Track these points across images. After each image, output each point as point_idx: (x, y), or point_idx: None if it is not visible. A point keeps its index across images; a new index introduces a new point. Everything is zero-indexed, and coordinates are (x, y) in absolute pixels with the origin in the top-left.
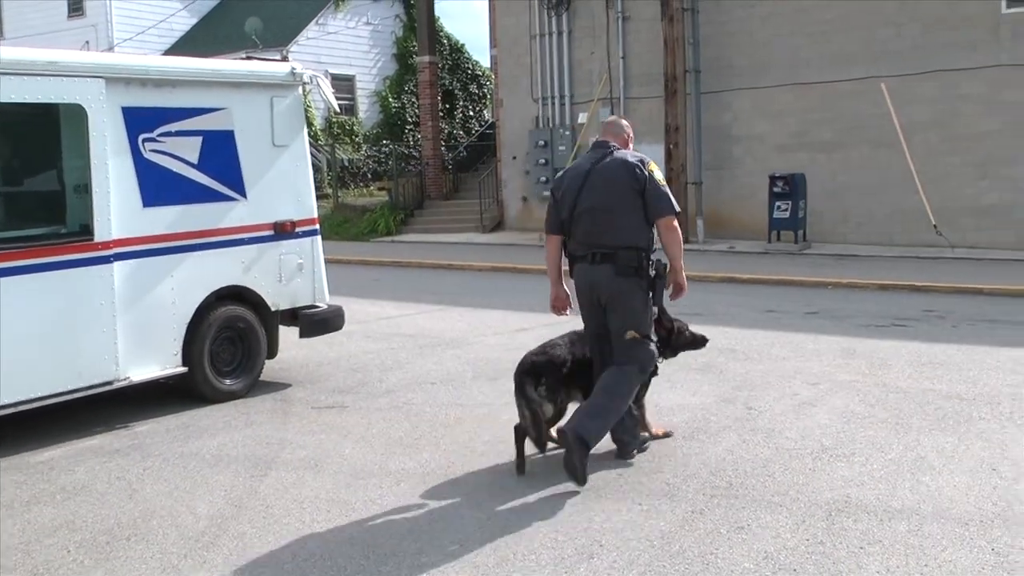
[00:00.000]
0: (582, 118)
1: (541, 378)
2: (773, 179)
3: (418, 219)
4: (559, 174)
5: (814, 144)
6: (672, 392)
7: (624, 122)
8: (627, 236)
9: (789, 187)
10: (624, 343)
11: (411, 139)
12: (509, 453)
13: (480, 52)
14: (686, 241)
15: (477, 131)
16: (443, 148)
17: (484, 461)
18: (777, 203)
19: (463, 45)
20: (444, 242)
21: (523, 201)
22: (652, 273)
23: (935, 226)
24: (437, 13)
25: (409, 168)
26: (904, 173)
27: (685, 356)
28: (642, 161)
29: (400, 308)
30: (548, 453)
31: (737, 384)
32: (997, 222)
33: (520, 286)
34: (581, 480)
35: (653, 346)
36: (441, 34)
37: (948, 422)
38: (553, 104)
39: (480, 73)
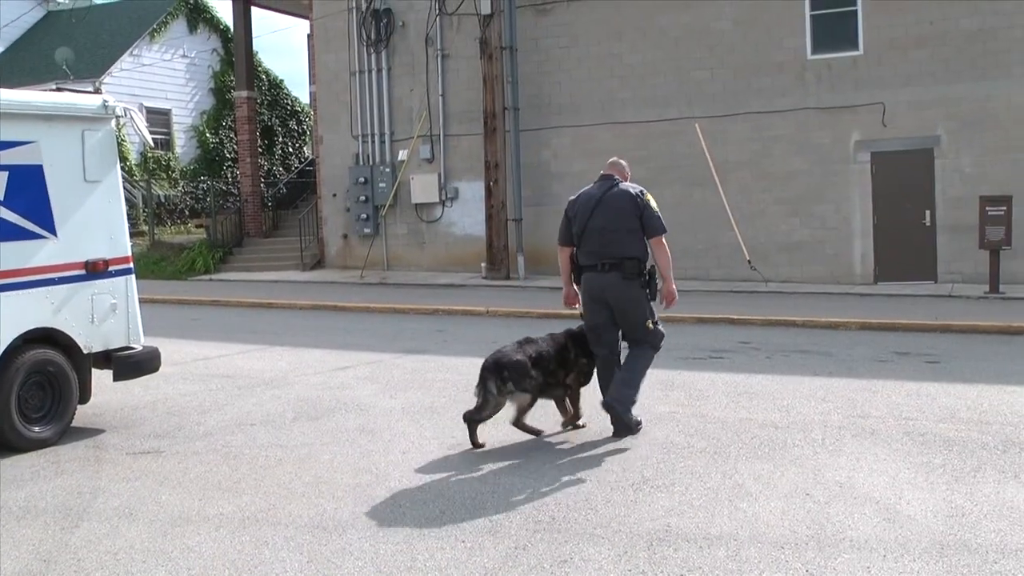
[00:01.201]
0: (402, 155)
1: (503, 372)
2: None
3: (237, 257)
4: (572, 198)
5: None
6: (495, 428)
7: (623, 162)
8: (629, 249)
9: None
10: (644, 330)
11: (230, 175)
12: (331, 494)
13: (300, 88)
14: (506, 278)
15: (297, 168)
16: (263, 185)
17: (305, 502)
18: None
19: (282, 81)
20: (264, 280)
21: (344, 239)
22: (647, 276)
23: (749, 261)
24: (255, 48)
25: (228, 205)
26: (719, 210)
27: None
28: (641, 192)
29: (219, 348)
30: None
31: (557, 419)
32: (808, 257)
33: (341, 324)
34: (635, 430)
35: (662, 326)
36: (259, 69)
37: (764, 450)
38: (373, 141)
39: (300, 109)
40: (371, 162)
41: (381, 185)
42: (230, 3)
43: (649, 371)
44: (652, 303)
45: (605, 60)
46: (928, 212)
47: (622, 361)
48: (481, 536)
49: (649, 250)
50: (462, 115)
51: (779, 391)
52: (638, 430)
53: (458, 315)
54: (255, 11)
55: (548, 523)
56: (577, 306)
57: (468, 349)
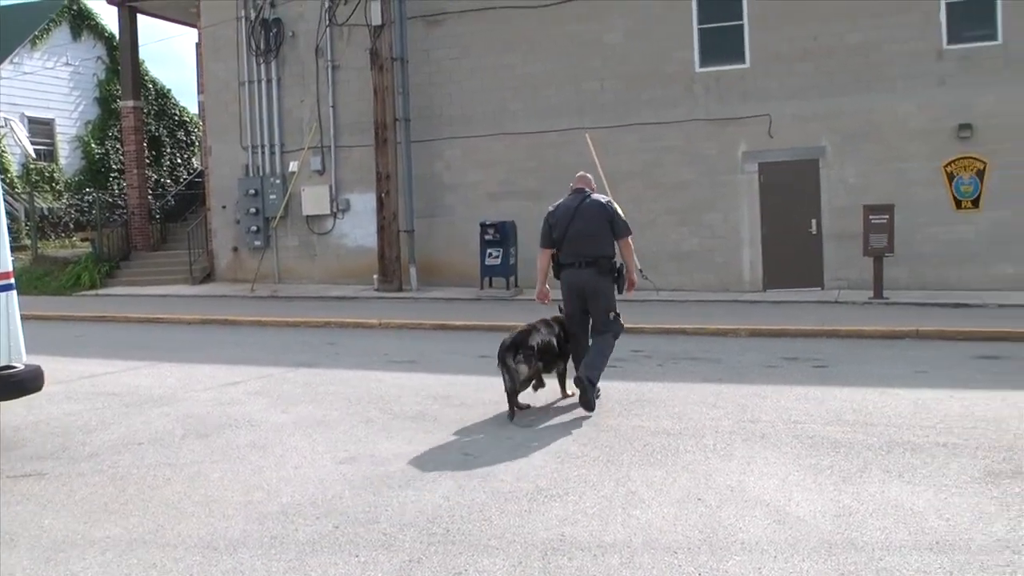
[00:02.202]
0: (293, 166)
1: (518, 351)
2: (484, 227)
3: (124, 271)
4: (552, 208)
5: (523, 192)
6: (388, 441)
7: (590, 175)
8: (603, 249)
9: (500, 234)
10: (607, 319)
11: (116, 187)
12: (221, 512)
13: (188, 98)
14: (398, 290)
15: (186, 179)
16: (150, 197)
17: (194, 522)
18: (488, 250)
19: (169, 91)
20: (152, 295)
21: (234, 251)
22: (617, 272)
23: (641, 270)
24: (142, 57)
25: (114, 218)
26: None
27: (399, 405)
28: (609, 201)
29: (105, 365)
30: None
31: (452, 430)
32: (698, 266)
33: (231, 339)
34: (591, 408)
35: (622, 319)
36: (146, 78)
37: (656, 456)
38: (263, 152)
39: (188, 120)
40: (261, 173)
41: (272, 197)
42: (115, 10)
43: (545, 380)
44: (618, 296)
45: (497, 71)
46: (814, 221)
47: (600, 342)
48: (375, 551)
49: (616, 247)
50: (353, 126)
51: (671, 398)
52: (595, 402)
53: (350, 327)
54: (141, 19)
55: (442, 535)
56: (547, 301)
57: (360, 362)
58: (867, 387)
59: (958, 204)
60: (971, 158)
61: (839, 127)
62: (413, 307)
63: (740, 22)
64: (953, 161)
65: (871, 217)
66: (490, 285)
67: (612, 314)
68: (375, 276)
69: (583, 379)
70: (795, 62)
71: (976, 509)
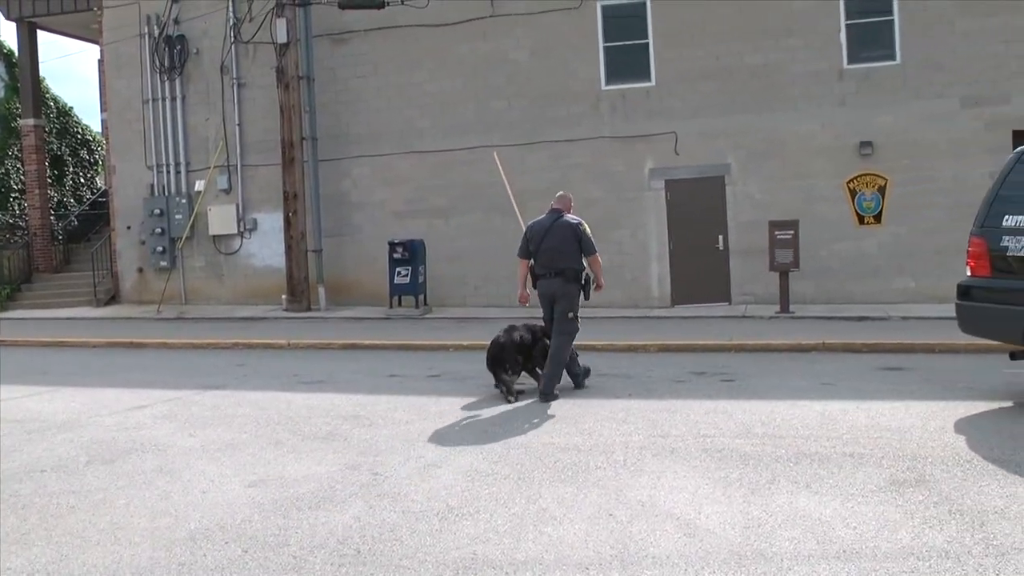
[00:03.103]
0: (199, 186)
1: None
2: (392, 245)
3: (26, 294)
4: (530, 223)
5: (432, 210)
6: (298, 463)
7: (569, 195)
8: (570, 262)
9: (408, 253)
10: (565, 320)
11: (17, 207)
12: (127, 540)
13: (91, 116)
14: (307, 310)
15: (89, 199)
16: (52, 217)
17: (100, 551)
18: (397, 269)
19: (72, 108)
20: (55, 318)
21: (139, 272)
22: (583, 281)
23: None
24: (43, 74)
25: (15, 239)
26: (519, 237)
27: (309, 426)
28: (579, 223)
29: (6, 391)
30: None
31: (362, 450)
32: (606, 282)
33: (137, 362)
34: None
35: (578, 323)
36: (47, 96)
37: (567, 473)
38: (169, 171)
39: (91, 138)
40: (167, 193)
41: (177, 217)
42: (14, 26)
43: (451, 400)
44: (582, 301)
45: (404, 89)
46: (721, 237)
47: (555, 345)
48: (285, 574)
49: (586, 262)
50: (260, 145)
51: (581, 415)
52: (556, 396)
53: (259, 348)
54: (42, 35)
55: (353, 556)
56: (526, 304)
57: (269, 383)
58: (775, 400)
59: (861, 220)
60: (873, 175)
61: (744, 144)
62: (322, 327)
63: (645, 40)
64: (855, 178)
65: (776, 233)
66: (399, 304)
67: (571, 314)
68: (284, 296)
69: (543, 395)
70: (699, 81)
71: (882, 517)
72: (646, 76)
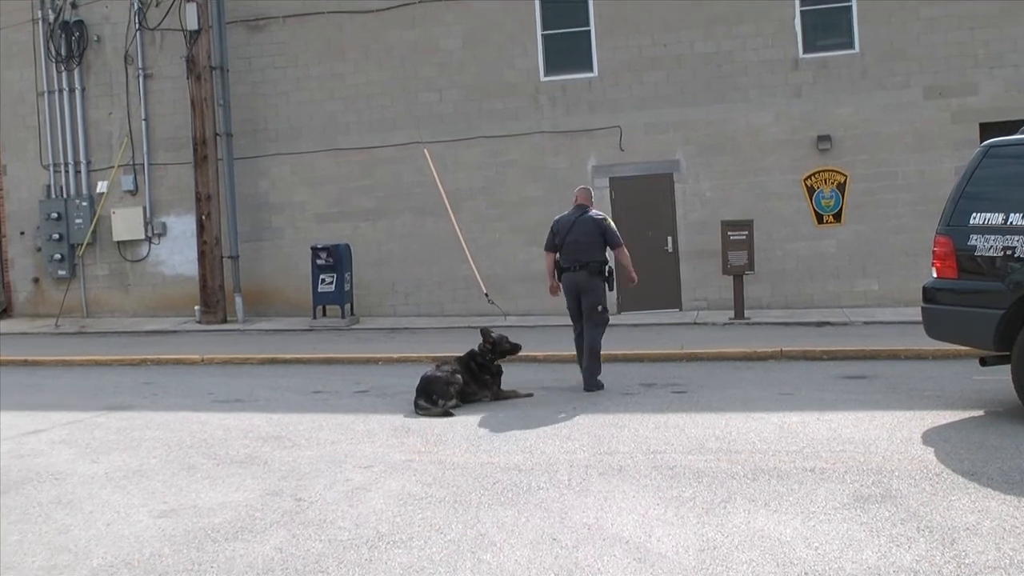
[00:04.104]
0: (102, 187)
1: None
2: (316, 250)
3: None
4: (557, 218)
5: (357, 213)
6: (214, 490)
7: (589, 188)
8: (593, 255)
9: (333, 259)
10: (595, 313)
11: None
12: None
13: None
14: (223, 322)
15: None
16: None
17: None
18: (321, 276)
19: None
20: None
21: (35, 283)
22: (607, 273)
23: (486, 294)
24: None
25: None
26: (453, 240)
27: (225, 449)
28: (603, 218)
29: None
30: None
31: (284, 474)
32: (547, 288)
33: (33, 381)
34: (601, 385)
35: (608, 314)
36: None
37: (507, 495)
38: (68, 171)
39: None
40: (65, 195)
41: (78, 221)
42: None
43: (380, 417)
44: (608, 293)
45: (326, 81)
46: (670, 238)
47: (590, 337)
48: None
49: (613, 255)
50: (169, 142)
51: (522, 431)
52: (602, 385)
53: (169, 365)
54: None
55: None
56: (556, 294)
57: (181, 403)
58: (730, 412)
59: (820, 219)
60: (832, 171)
61: (694, 139)
62: (240, 340)
63: (587, 28)
64: (813, 174)
65: (730, 233)
66: (324, 314)
67: (599, 307)
68: (197, 307)
69: (589, 386)
70: (645, 71)
71: (845, 536)
72: (588, 66)
